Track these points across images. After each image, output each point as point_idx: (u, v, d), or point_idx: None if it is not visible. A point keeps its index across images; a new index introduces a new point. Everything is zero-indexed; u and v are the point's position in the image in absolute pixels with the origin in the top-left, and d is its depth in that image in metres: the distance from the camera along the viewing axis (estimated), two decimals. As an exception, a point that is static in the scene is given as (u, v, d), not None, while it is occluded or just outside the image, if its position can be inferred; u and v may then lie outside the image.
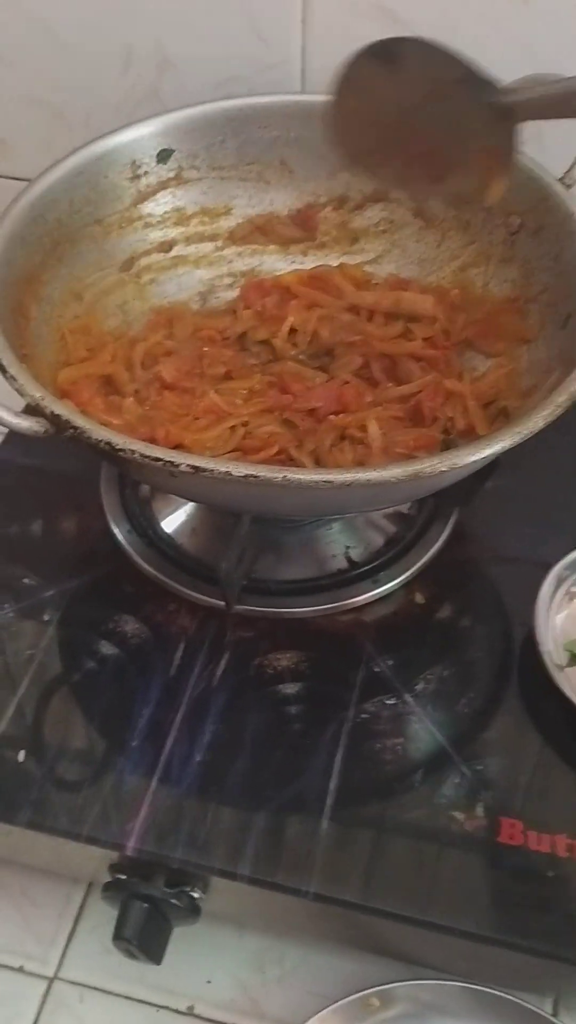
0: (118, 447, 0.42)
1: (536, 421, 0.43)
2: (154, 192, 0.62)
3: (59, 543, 0.60)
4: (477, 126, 0.47)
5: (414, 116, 0.48)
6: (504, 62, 0.58)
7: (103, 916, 0.54)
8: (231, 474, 0.41)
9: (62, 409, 0.44)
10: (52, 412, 0.44)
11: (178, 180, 0.62)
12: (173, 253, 0.63)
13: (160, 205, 0.62)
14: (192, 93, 0.64)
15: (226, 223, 0.64)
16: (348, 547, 0.58)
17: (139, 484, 0.61)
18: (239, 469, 0.41)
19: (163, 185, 0.62)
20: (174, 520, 0.60)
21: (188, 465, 0.41)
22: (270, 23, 0.63)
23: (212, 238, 0.63)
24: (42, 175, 0.56)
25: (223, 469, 0.41)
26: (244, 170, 0.63)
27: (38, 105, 0.71)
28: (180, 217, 0.63)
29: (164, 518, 0.60)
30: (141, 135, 0.60)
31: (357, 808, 0.48)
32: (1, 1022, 0.51)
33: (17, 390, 0.45)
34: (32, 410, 0.44)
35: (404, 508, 0.61)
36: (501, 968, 0.48)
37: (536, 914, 0.45)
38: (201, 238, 0.63)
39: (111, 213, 0.60)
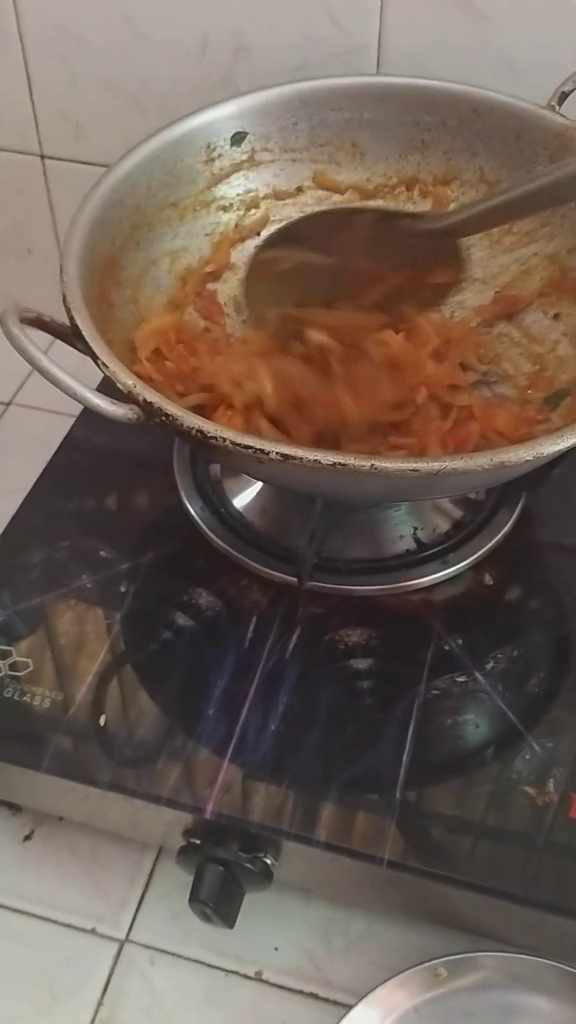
0: (209, 435, 0.43)
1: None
2: (228, 175, 0.63)
3: (133, 518, 0.61)
4: (420, 253, 0.52)
5: (355, 266, 0.52)
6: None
7: (173, 882, 0.55)
8: (320, 462, 0.42)
9: (154, 397, 0.45)
10: (144, 400, 0.45)
11: (251, 162, 0.63)
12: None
13: (233, 187, 0.63)
14: (267, 79, 0.64)
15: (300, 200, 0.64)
16: (416, 528, 0.59)
17: (211, 463, 0.62)
18: (327, 457, 0.42)
19: (236, 167, 0.63)
20: (245, 498, 0.61)
21: (277, 453, 0.42)
22: (346, 10, 0.64)
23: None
24: (121, 160, 0.57)
25: (312, 457, 0.42)
26: (316, 152, 0.64)
27: (114, 91, 0.72)
28: (253, 199, 0.64)
29: (235, 496, 0.61)
30: (216, 118, 0.61)
31: (429, 781, 0.49)
32: (75, 981, 0.52)
33: (111, 377, 0.45)
34: (124, 396, 0.45)
35: (473, 493, 0.61)
36: (565, 942, 0.48)
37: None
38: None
39: (186, 196, 0.61)
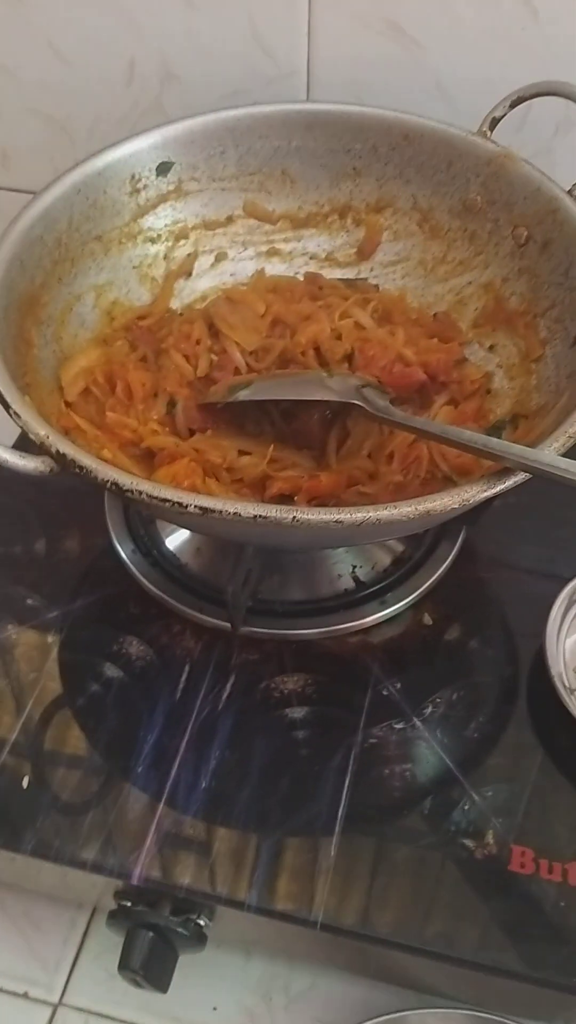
0: (125, 488, 0.41)
1: (548, 453, 0.42)
2: (155, 205, 0.61)
3: (63, 563, 0.59)
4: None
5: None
6: (512, 73, 0.58)
7: (108, 941, 0.53)
8: (240, 515, 0.40)
9: (68, 448, 0.43)
10: (57, 451, 0.43)
11: (178, 192, 0.61)
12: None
13: (160, 218, 0.62)
14: (197, 105, 0.63)
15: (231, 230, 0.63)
16: (355, 567, 0.58)
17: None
18: (248, 510, 0.40)
19: (163, 198, 0.61)
20: (178, 540, 0.59)
21: (196, 507, 0.40)
22: (275, 37, 0.63)
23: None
24: (40, 195, 0.56)
25: (232, 510, 0.40)
26: (245, 180, 0.62)
27: (40, 117, 0.70)
28: (182, 230, 0.62)
29: (168, 537, 0.59)
30: (140, 148, 0.59)
31: (366, 835, 0.47)
32: (6, 1050, 0.51)
33: (22, 427, 0.44)
34: (38, 448, 0.43)
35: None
36: (510, 997, 0.47)
37: (548, 945, 0.44)
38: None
39: (111, 228, 0.59)
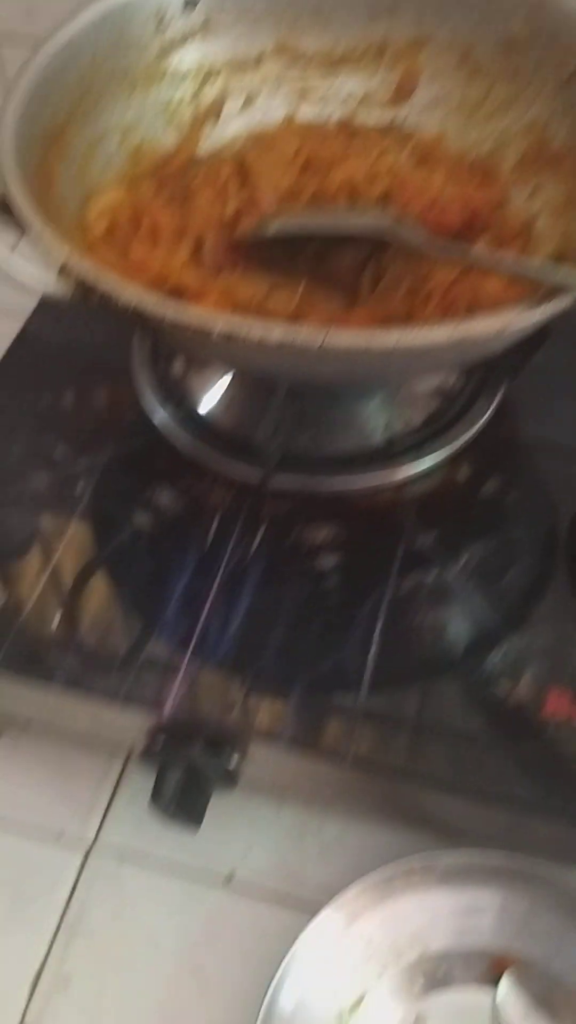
0: (147, 311, 0.40)
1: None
2: (181, 43, 0.58)
3: (91, 416, 0.58)
4: None
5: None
6: None
7: (143, 785, 0.53)
8: (265, 340, 0.39)
9: (90, 270, 0.41)
10: (79, 273, 0.41)
11: (206, 29, 0.58)
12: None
13: (188, 57, 0.59)
14: None
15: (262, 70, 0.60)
16: (389, 422, 0.56)
17: (172, 359, 0.59)
18: (273, 334, 0.39)
19: (190, 35, 0.58)
20: (210, 394, 0.58)
21: (220, 332, 0.39)
22: None
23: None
24: (62, 26, 0.53)
25: (257, 335, 0.39)
26: (278, 17, 0.59)
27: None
28: (210, 69, 0.59)
29: (199, 391, 0.58)
30: (164, -23, 0.56)
31: (398, 678, 0.47)
32: (42, 885, 0.51)
33: (43, 250, 0.42)
34: (61, 272, 0.42)
35: (449, 382, 0.58)
36: (538, 839, 0.47)
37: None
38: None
39: (137, 66, 0.57)
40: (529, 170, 0.56)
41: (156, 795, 0.46)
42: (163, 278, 0.49)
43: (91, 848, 0.53)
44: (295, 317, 0.49)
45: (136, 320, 0.41)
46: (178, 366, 0.59)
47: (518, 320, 0.40)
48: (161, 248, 0.51)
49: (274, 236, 0.50)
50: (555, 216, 0.54)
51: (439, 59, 0.59)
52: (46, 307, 0.63)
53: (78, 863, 0.52)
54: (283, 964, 0.45)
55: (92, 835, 0.53)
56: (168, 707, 0.46)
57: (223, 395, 0.58)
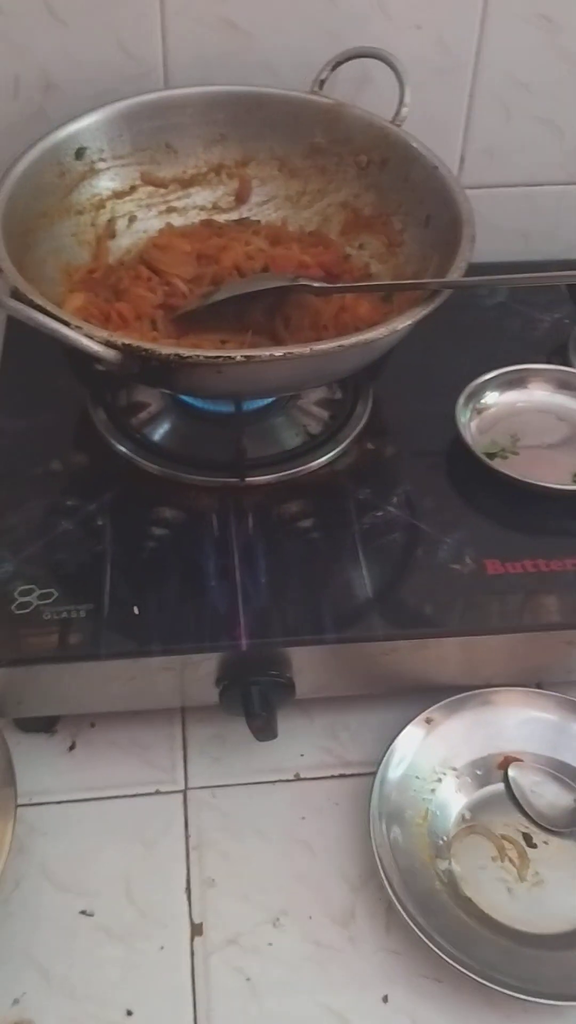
0: (185, 356, 0.57)
1: (455, 273, 0.62)
2: (77, 183, 0.76)
3: (79, 469, 0.73)
4: None
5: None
6: (320, 46, 0.79)
7: (204, 735, 0.69)
8: (259, 357, 0.57)
9: (128, 339, 0.58)
10: (123, 343, 0.57)
11: (92, 171, 0.77)
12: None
13: (82, 194, 0.77)
14: (75, 108, 0.78)
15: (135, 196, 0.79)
16: (305, 426, 0.76)
17: (131, 418, 0.76)
18: (265, 353, 0.57)
19: (82, 177, 0.76)
20: (166, 435, 0.75)
21: (242, 356, 0.57)
22: (136, 43, 0.79)
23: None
24: (2, 181, 0.69)
25: (266, 354, 0.57)
26: (139, 156, 0.79)
27: None
28: (99, 201, 0.78)
29: (159, 436, 0.75)
30: (60, 139, 0.74)
31: (388, 579, 0.66)
32: (161, 828, 0.64)
33: (86, 336, 0.57)
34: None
35: (334, 395, 0.79)
36: (504, 667, 0.67)
37: (523, 607, 0.65)
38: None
39: (50, 206, 0.74)
40: (351, 233, 0.79)
41: (250, 713, 0.62)
42: (147, 346, 0.66)
43: (186, 792, 0.66)
44: None
45: (165, 371, 0.58)
46: (133, 420, 0.76)
47: (412, 318, 0.61)
48: (132, 330, 0.68)
49: (210, 305, 0.69)
50: (382, 260, 0.77)
51: (264, 169, 0.81)
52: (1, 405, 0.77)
53: (181, 805, 0.66)
54: (383, 762, 0.64)
55: (182, 783, 0.67)
56: (243, 643, 0.62)
57: (178, 432, 0.75)
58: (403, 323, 0.61)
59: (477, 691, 0.67)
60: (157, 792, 0.66)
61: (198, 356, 0.58)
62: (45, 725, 0.69)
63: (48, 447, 0.75)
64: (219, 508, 0.70)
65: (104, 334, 0.58)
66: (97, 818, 0.65)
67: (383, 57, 0.76)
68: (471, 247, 0.66)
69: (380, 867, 0.59)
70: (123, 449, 0.73)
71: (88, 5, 0.77)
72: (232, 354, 0.58)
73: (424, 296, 0.63)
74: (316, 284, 0.68)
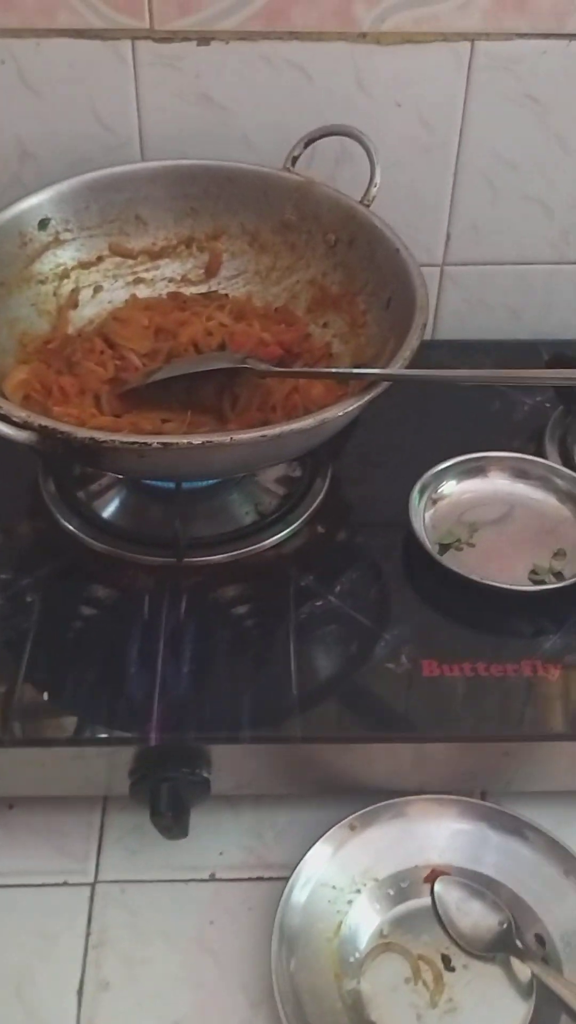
0: (101, 440, 0.55)
1: (399, 363, 0.60)
2: (40, 253, 0.76)
3: (20, 542, 0.72)
4: None
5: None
6: (297, 122, 0.78)
7: (123, 827, 0.66)
8: (191, 444, 0.56)
9: (47, 421, 0.57)
10: (40, 425, 0.56)
11: (57, 242, 0.76)
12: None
13: (46, 264, 0.76)
14: (51, 176, 0.78)
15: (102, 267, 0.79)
16: (256, 505, 0.74)
17: (76, 486, 0.74)
18: (200, 438, 0.56)
19: (46, 247, 0.76)
20: (111, 507, 0.73)
21: (159, 443, 0.56)
22: (111, 114, 0.79)
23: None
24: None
25: (191, 441, 0.56)
26: (108, 227, 0.78)
27: None
28: (63, 271, 0.77)
29: (106, 510, 0.73)
30: (23, 209, 0.74)
31: (317, 675, 0.63)
32: (62, 924, 0.62)
33: (5, 414, 0.57)
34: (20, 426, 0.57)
35: (293, 472, 0.77)
36: (440, 773, 0.64)
37: (461, 715, 0.61)
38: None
39: (9, 276, 0.74)
40: (318, 311, 0.78)
41: (155, 811, 0.59)
42: (83, 423, 0.65)
43: (94, 886, 0.64)
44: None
45: (87, 452, 0.57)
46: (82, 492, 0.74)
47: (358, 403, 0.59)
48: (72, 405, 0.67)
49: (153, 382, 0.68)
50: (344, 340, 0.76)
51: (234, 243, 0.80)
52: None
53: (87, 899, 0.63)
54: (288, 883, 0.60)
55: (92, 875, 0.64)
56: (153, 737, 0.59)
57: (124, 506, 0.73)
58: (334, 413, 0.59)
59: (407, 798, 0.64)
60: (65, 883, 0.64)
61: (114, 441, 0.56)
62: (-38, 804, 0.67)
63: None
64: (154, 589, 0.68)
65: (23, 413, 0.57)
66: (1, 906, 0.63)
67: (355, 135, 0.75)
68: (419, 335, 0.64)
69: (275, 989, 0.56)
70: (68, 525, 0.72)
71: (61, 76, 0.77)
72: (149, 440, 0.56)
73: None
74: (262, 367, 0.66)
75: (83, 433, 0.56)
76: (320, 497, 0.75)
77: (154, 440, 0.56)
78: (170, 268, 0.81)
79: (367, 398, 0.60)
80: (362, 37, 0.77)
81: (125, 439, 0.56)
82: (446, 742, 0.61)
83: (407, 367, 0.62)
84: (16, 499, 0.75)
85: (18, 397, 0.67)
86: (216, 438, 0.56)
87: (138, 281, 0.80)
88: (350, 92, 0.80)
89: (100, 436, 0.56)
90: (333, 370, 0.65)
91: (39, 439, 0.57)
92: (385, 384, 0.61)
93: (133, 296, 0.79)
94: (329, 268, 0.77)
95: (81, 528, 0.72)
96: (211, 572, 0.70)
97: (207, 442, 0.56)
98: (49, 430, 0.57)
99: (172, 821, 0.60)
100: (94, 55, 0.76)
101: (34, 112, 0.79)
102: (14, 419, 0.57)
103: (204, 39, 0.76)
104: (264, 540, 0.72)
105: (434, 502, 0.74)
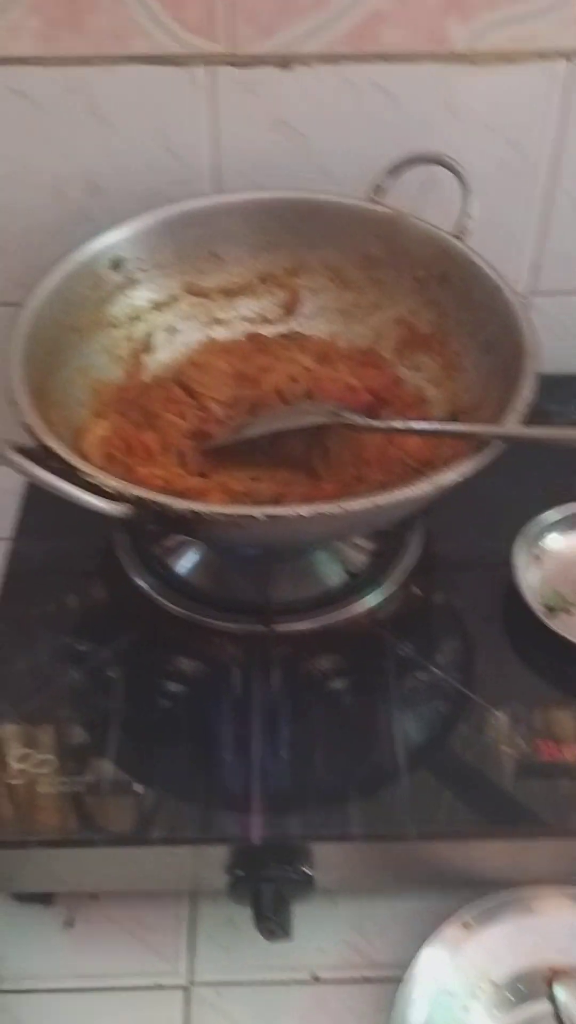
0: (202, 513, 0.51)
1: (513, 418, 0.55)
2: (112, 295, 0.71)
3: (95, 604, 0.67)
4: None
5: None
6: (380, 148, 0.73)
7: (214, 921, 0.62)
8: (301, 515, 0.51)
9: (142, 492, 0.52)
10: (135, 496, 0.52)
11: (130, 282, 0.72)
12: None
13: (119, 306, 0.72)
14: (120, 211, 0.73)
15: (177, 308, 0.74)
16: (345, 564, 0.69)
17: (154, 545, 0.70)
18: (304, 510, 0.51)
19: (119, 289, 0.71)
20: (191, 568, 0.69)
21: (265, 515, 0.51)
22: (184, 145, 0.74)
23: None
24: (28, 302, 0.64)
25: (297, 512, 0.51)
26: (183, 265, 0.73)
27: (-27, 233, 0.79)
28: (136, 313, 0.72)
29: (183, 569, 0.69)
30: (97, 250, 0.69)
31: (427, 760, 0.58)
32: (157, 1030, 0.57)
33: (99, 485, 0.52)
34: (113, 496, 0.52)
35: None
36: (561, 864, 0.58)
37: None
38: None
39: (82, 320, 0.69)
40: (406, 352, 0.72)
41: (259, 915, 0.55)
42: (170, 485, 0.60)
43: (189, 988, 0.59)
44: (278, 498, 0.61)
45: (183, 524, 0.52)
46: (159, 549, 0.70)
47: (473, 467, 0.54)
48: (157, 464, 0.62)
49: (239, 441, 0.63)
50: (437, 385, 0.70)
51: (314, 279, 0.75)
52: (27, 526, 0.72)
53: (182, 1003, 0.58)
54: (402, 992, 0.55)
55: (186, 977, 0.60)
56: (254, 836, 0.54)
57: (206, 566, 0.69)
58: (450, 478, 0.54)
59: (522, 890, 0.59)
60: (158, 986, 0.59)
61: (216, 514, 0.51)
62: (42, 896, 0.62)
63: (66, 577, 0.69)
64: (243, 660, 0.63)
65: (116, 484, 0.53)
66: (88, 1012, 0.58)
67: (446, 163, 0.70)
68: (532, 386, 0.58)
69: None
70: (143, 584, 0.67)
71: (133, 105, 0.72)
72: (254, 512, 0.51)
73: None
74: (357, 420, 0.61)
75: (182, 505, 0.52)
76: (413, 556, 0.70)
77: (260, 513, 0.51)
78: (247, 307, 0.76)
79: (486, 458, 0.55)
80: (455, 57, 0.71)
81: (230, 512, 0.51)
82: (568, 837, 0.56)
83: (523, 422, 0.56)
84: (87, 554, 0.71)
85: (99, 456, 0.63)
86: (326, 509, 0.51)
87: (214, 322, 0.75)
88: (438, 115, 0.74)
89: (201, 509, 0.51)
90: (444, 429, 0.60)
91: (134, 511, 0.52)
92: (500, 446, 0.55)
93: (210, 338, 0.75)
94: (418, 306, 0.72)
95: (158, 589, 0.67)
96: (301, 640, 0.65)
97: (317, 513, 0.51)
98: (146, 502, 0.52)
99: (277, 924, 0.55)
100: (168, 82, 0.71)
101: (104, 144, 0.74)
102: (106, 489, 0.52)
103: (285, 63, 0.71)
104: (356, 604, 0.67)
105: (537, 558, 0.68)
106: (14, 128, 0.73)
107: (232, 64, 0.71)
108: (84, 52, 0.69)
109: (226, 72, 0.71)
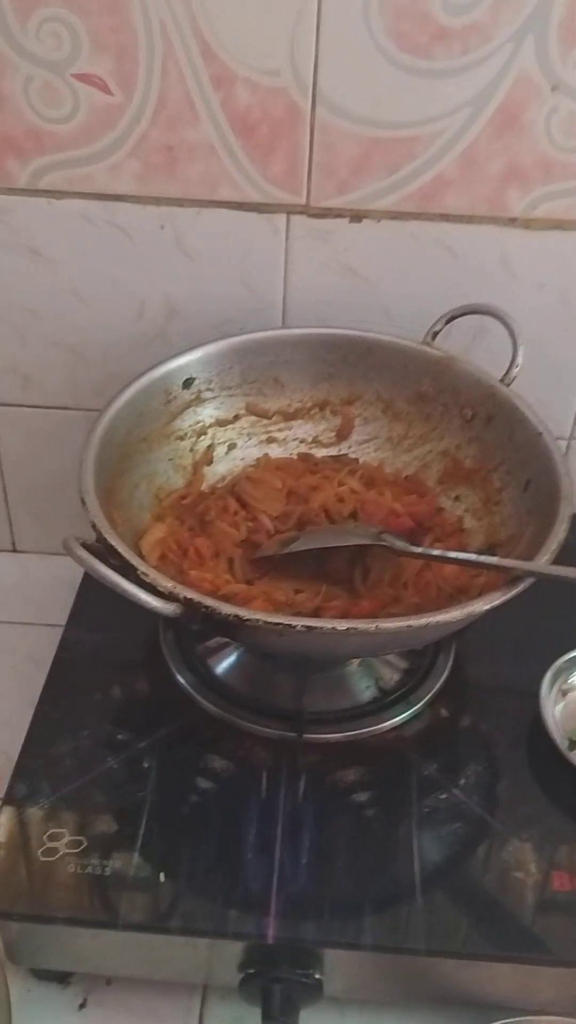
0: (245, 618, 0.55)
1: (545, 556, 0.59)
2: (181, 411, 0.77)
3: (139, 701, 0.71)
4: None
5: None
6: (439, 297, 0.79)
7: (223, 1016, 0.63)
8: (336, 629, 0.55)
9: (192, 594, 0.56)
10: (185, 597, 0.56)
11: (198, 400, 0.78)
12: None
13: (186, 420, 0.78)
14: (195, 334, 0.80)
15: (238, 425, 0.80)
16: (377, 680, 0.72)
17: (197, 644, 0.74)
18: (341, 624, 0.55)
19: (188, 405, 0.77)
20: (230, 669, 0.72)
21: (303, 626, 0.55)
22: (259, 281, 0.81)
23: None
24: (106, 411, 0.70)
25: (330, 626, 0.55)
26: (247, 387, 0.80)
27: (60, 347, 0.86)
28: (201, 428, 0.78)
29: (223, 669, 0.72)
30: (171, 369, 0.76)
31: (442, 879, 0.60)
32: None
33: (153, 584, 0.57)
34: (164, 595, 0.56)
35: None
36: (570, 993, 0.59)
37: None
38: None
39: (152, 431, 0.75)
40: (449, 483, 0.77)
41: (268, 1016, 0.56)
42: (217, 589, 0.65)
43: None
44: (318, 610, 0.65)
45: (226, 626, 0.56)
46: (201, 649, 0.73)
47: (504, 597, 0.58)
48: (207, 568, 0.67)
49: (286, 553, 0.67)
50: (477, 516, 0.74)
51: (368, 409, 0.81)
52: (78, 616, 0.77)
53: None
54: None
55: (190, 1072, 0.61)
56: (269, 936, 0.56)
57: (245, 670, 0.72)
58: (480, 607, 0.57)
59: (529, 1020, 0.59)
60: (162, 1079, 0.60)
61: (258, 620, 0.55)
62: (59, 975, 0.64)
63: (113, 668, 0.73)
64: (272, 764, 0.66)
65: (169, 584, 0.57)
66: None
67: (499, 316, 0.75)
68: (565, 528, 0.62)
69: None
70: (184, 681, 0.71)
71: (216, 243, 0.80)
72: (293, 622, 0.55)
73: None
74: (398, 545, 0.65)
75: (228, 609, 0.56)
76: (444, 675, 0.73)
77: (299, 623, 0.55)
78: (303, 429, 0.82)
79: (516, 591, 0.59)
80: (512, 222, 0.78)
81: (269, 619, 0.55)
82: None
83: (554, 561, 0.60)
84: (133, 647, 0.75)
85: (155, 556, 0.67)
86: (362, 625, 0.55)
87: (271, 440, 0.81)
88: (493, 271, 0.81)
89: (244, 614, 0.55)
90: (480, 561, 0.63)
91: (183, 610, 0.56)
92: (530, 581, 0.59)
93: (266, 455, 0.80)
94: (464, 442, 0.77)
95: (197, 687, 0.71)
96: (330, 751, 0.67)
97: (352, 629, 0.55)
98: (195, 603, 0.56)
99: (283, 1028, 0.56)
100: (249, 225, 0.79)
101: (186, 274, 0.81)
102: (160, 588, 0.57)
103: (356, 216, 0.78)
104: (385, 720, 0.69)
105: (564, 692, 0.71)
106: (108, 254, 0.80)
107: (308, 215, 0.78)
108: (176, 194, 0.77)
109: (302, 221, 0.78)
